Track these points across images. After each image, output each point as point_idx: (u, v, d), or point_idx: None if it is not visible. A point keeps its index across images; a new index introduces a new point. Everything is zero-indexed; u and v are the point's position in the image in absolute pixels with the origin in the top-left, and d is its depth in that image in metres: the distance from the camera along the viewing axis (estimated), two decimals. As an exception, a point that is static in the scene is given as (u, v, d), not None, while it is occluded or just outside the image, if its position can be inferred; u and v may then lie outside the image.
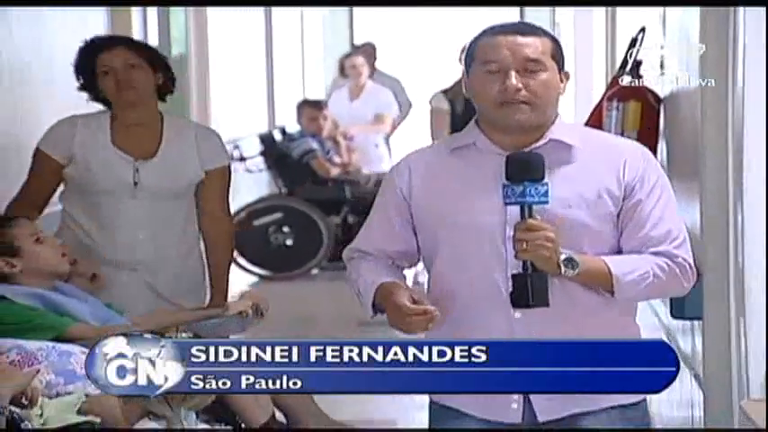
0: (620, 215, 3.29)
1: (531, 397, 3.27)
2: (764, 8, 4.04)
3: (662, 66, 5.91)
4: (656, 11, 6.07)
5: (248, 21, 13.03)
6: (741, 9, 4.10)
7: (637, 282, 3.24)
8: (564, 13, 13.95)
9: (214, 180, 5.25)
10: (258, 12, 13.41)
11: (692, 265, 3.30)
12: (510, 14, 15.95)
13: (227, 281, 5.38)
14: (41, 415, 3.75)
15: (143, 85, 5.11)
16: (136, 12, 8.58)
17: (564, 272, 3.19)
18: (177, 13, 10.12)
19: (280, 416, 5.01)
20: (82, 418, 3.84)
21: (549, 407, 3.28)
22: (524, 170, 3.18)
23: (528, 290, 3.17)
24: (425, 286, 3.47)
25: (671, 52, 5.71)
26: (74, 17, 7.34)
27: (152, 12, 9.20)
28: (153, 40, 9.15)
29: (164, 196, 5.16)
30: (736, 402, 4.19)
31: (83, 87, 5.17)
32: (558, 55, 3.29)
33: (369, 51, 13.86)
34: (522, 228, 3.16)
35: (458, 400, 3.34)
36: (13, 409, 3.45)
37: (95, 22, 7.84)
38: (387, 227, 3.43)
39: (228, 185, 5.35)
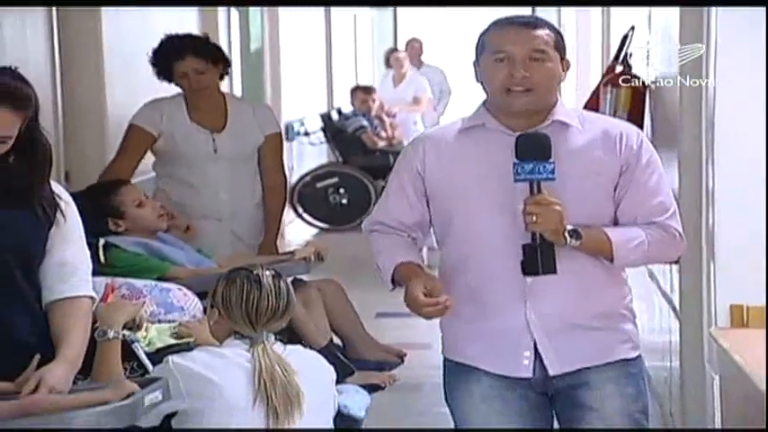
0: (616, 189, 3.04)
1: (541, 353, 3.05)
2: (741, 8, 3.96)
3: (648, 58, 5.90)
4: (643, 13, 6.03)
5: (311, 21, 13.02)
6: (714, 11, 4.06)
7: (633, 250, 3.01)
8: (567, 12, 13.88)
9: (271, 143, 5.33)
10: (319, 13, 13.40)
11: (682, 234, 3.09)
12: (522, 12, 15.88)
13: (280, 223, 5.48)
14: (146, 337, 3.79)
15: (211, 82, 5.19)
16: (222, 13, 8.57)
17: (569, 242, 2.94)
18: (255, 14, 10.11)
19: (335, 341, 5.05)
20: (178, 341, 3.88)
21: (558, 362, 3.05)
22: (533, 149, 2.93)
23: (538, 259, 2.94)
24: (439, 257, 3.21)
25: (655, 47, 5.70)
26: (171, 16, 7.39)
27: (234, 12, 9.18)
28: (235, 38, 9.14)
29: (236, 160, 5.24)
30: (705, 330, 4.19)
31: (159, 76, 5.25)
32: (560, 46, 3.04)
33: (415, 46, 13.85)
34: (532, 202, 2.91)
35: (471, 356, 3.14)
36: (125, 332, 3.48)
37: (189, 21, 7.87)
38: (403, 200, 3.17)
39: (281, 148, 5.45)
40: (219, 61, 5.21)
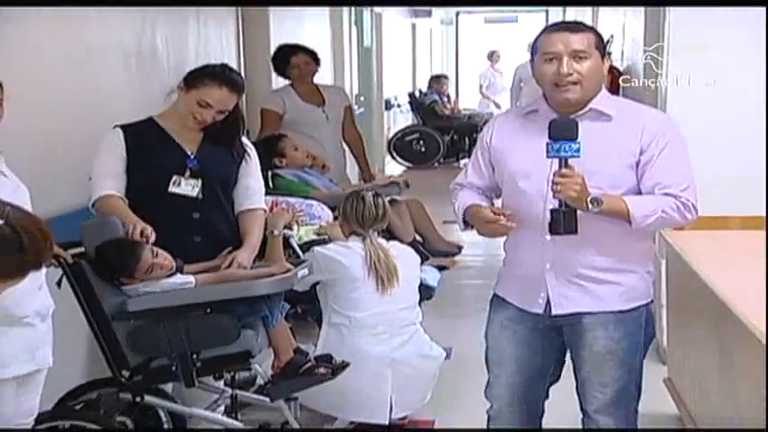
0: (638, 165, 2.49)
1: (551, 297, 2.57)
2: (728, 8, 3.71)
3: (622, 54, 5.79)
4: (619, 23, 5.89)
5: (402, 30, 12.94)
6: (667, 19, 3.94)
7: (648, 216, 2.46)
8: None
9: (348, 111, 5.26)
10: (407, 26, 13.29)
11: (695, 204, 2.50)
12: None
13: (368, 162, 5.42)
14: (298, 234, 3.84)
15: (312, 72, 5.08)
16: (345, 15, 8.32)
17: (590, 208, 2.42)
18: (367, 22, 9.94)
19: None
20: (317, 237, 3.93)
21: (560, 305, 2.58)
22: (561, 132, 2.43)
23: (561, 221, 2.44)
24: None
25: (627, 48, 5.58)
26: (317, 21, 7.30)
27: (352, 19, 8.97)
28: (353, 37, 8.98)
29: (337, 124, 5.16)
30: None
31: (276, 71, 5.18)
32: (600, 45, 2.52)
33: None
34: (558, 174, 2.42)
35: (504, 290, 2.70)
36: (285, 231, 3.53)
37: (324, 25, 7.74)
38: (476, 167, 2.71)
39: (354, 114, 5.35)
40: (317, 60, 5.14)
